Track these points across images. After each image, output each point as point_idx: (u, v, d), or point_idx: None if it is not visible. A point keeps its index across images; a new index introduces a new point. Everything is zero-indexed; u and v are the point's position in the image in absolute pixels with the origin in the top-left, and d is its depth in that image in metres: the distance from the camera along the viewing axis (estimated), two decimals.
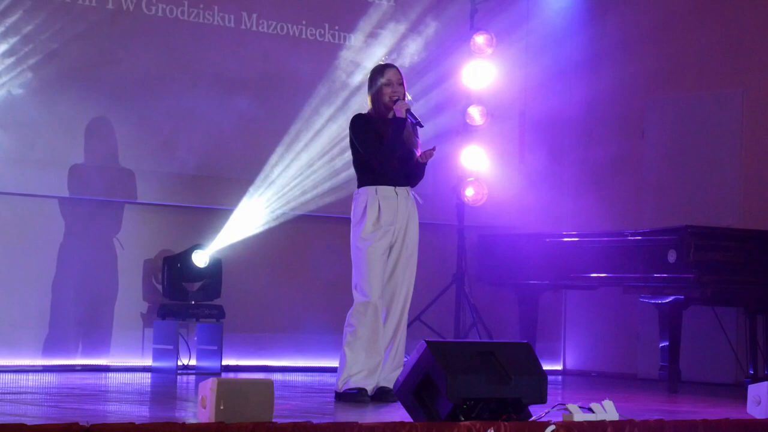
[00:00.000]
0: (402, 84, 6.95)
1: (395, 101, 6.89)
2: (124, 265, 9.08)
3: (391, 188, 6.92)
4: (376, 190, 6.91)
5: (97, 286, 8.96)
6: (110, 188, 9.00)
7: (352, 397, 6.80)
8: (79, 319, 8.90)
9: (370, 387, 6.87)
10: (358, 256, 6.91)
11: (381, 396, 6.83)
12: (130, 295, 9.12)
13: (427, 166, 7.02)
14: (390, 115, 6.93)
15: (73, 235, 8.91)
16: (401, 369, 6.78)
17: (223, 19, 9.44)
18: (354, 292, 6.95)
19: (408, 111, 6.89)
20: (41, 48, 8.68)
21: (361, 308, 6.87)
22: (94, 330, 8.97)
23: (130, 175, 9.06)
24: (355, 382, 6.84)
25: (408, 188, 7.01)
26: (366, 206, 6.88)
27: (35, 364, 8.71)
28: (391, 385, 6.80)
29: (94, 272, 8.96)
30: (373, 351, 6.87)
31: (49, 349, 8.77)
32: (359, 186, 7.00)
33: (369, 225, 6.87)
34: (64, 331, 8.85)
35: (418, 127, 6.98)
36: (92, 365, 8.92)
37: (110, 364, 8.99)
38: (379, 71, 6.99)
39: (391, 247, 6.93)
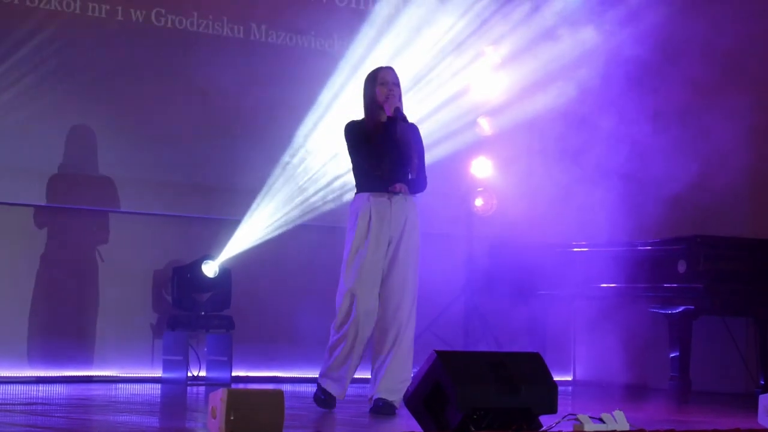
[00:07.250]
0: (397, 84, 6.80)
1: (386, 99, 6.72)
2: (134, 276, 9.09)
3: (384, 194, 6.78)
4: (369, 197, 6.79)
5: (107, 296, 8.97)
6: (121, 198, 9.02)
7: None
8: (90, 330, 8.91)
9: (340, 394, 6.80)
10: (349, 265, 6.83)
11: (382, 409, 6.65)
12: (140, 306, 9.13)
13: (431, 178, 6.94)
14: (383, 119, 6.75)
15: (77, 245, 8.93)
16: (407, 382, 6.70)
17: (233, 31, 9.47)
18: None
19: (396, 109, 6.69)
20: (48, 58, 8.73)
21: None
22: (104, 341, 8.97)
23: (140, 186, 9.07)
24: (326, 386, 6.80)
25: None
26: (358, 214, 6.78)
27: (44, 375, 8.71)
28: (393, 398, 6.67)
29: (101, 283, 8.96)
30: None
31: (59, 360, 8.78)
32: (357, 192, 6.89)
33: (360, 234, 6.77)
34: (74, 341, 8.86)
35: (412, 131, 6.79)
36: (102, 376, 8.93)
37: (120, 375, 8.99)
38: (374, 72, 6.88)
39: (385, 255, 6.80)
